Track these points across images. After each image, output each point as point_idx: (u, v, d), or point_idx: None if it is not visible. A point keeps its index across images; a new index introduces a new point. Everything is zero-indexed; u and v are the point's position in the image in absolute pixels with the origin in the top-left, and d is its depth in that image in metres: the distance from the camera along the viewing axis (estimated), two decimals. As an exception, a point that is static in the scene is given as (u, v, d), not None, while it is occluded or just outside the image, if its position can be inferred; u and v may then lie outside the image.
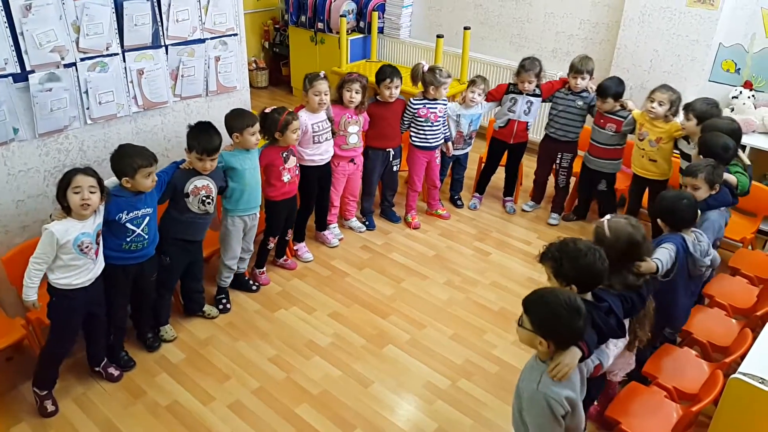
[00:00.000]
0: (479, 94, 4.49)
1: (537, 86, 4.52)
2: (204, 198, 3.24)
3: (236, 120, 3.39)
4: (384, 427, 2.97)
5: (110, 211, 2.87)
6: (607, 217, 2.59)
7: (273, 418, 3.00)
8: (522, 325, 2.06)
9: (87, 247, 2.74)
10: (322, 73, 3.88)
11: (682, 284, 2.89)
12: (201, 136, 3.15)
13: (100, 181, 2.72)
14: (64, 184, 2.67)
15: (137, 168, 2.85)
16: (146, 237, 3.02)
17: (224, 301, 3.74)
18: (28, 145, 3.02)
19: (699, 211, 3.01)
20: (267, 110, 3.60)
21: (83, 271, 2.79)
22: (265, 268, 4.03)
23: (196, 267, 3.50)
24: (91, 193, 2.67)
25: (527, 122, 4.61)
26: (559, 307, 1.98)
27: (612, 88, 4.18)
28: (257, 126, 3.43)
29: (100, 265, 2.88)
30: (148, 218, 3.00)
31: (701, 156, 3.40)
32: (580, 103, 4.43)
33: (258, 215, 3.68)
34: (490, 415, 3.05)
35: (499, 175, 4.99)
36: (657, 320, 2.97)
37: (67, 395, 3.07)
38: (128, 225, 2.94)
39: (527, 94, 4.51)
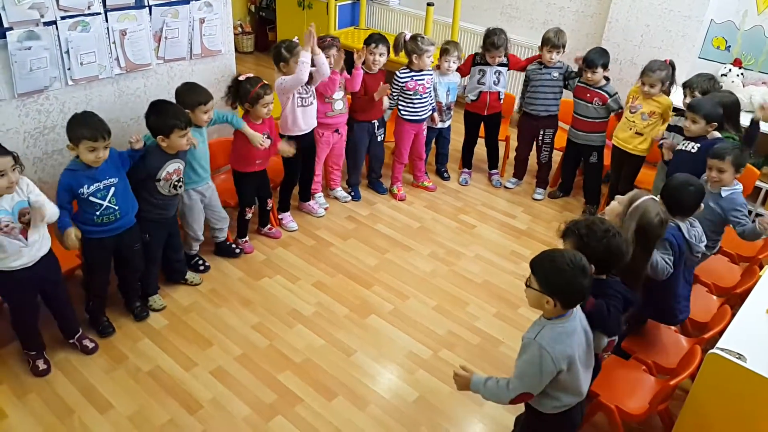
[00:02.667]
0: (454, 62, 4.44)
1: (504, 55, 4.50)
2: (176, 182, 3.16)
3: (189, 95, 3.24)
4: (366, 396, 3.00)
5: (72, 186, 2.79)
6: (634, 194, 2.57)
7: (255, 384, 3.02)
8: (530, 285, 2.09)
9: (7, 226, 2.58)
10: (296, 39, 3.81)
11: (681, 275, 2.83)
12: (176, 110, 3.02)
13: (14, 156, 2.56)
14: None
15: (80, 139, 2.74)
16: (116, 208, 2.92)
17: (200, 261, 3.75)
18: (6, 106, 2.94)
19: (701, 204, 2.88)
20: (241, 78, 3.51)
21: (13, 256, 2.65)
22: (247, 237, 4.00)
23: (175, 238, 3.46)
24: (12, 171, 2.53)
25: (499, 92, 4.59)
26: (564, 264, 2.00)
27: (599, 59, 4.14)
28: (211, 104, 3.30)
29: (42, 248, 2.75)
30: (113, 189, 2.90)
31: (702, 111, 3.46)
32: (556, 74, 4.39)
33: (211, 184, 3.58)
34: (471, 385, 3.09)
35: (482, 148, 4.97)
36: (649, 315, 2.94)
37: (49, 359, 3.05)
38: (92, 199, 2.84)
39: (496, 65, 4.50)
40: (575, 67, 4.36)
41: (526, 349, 2.10)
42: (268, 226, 4.12)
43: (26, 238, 2.68)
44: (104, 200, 2.88)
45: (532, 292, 2.09)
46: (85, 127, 2.75)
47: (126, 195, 2.99)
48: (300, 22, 6.67)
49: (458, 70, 4.56)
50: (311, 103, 3.92)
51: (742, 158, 3.12)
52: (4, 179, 2.51)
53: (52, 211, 2.71)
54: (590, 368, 2.22)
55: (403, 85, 4.30)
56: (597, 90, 4.23)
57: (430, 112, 4.52)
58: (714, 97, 3.64)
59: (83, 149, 2.76)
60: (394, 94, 4.37)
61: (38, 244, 2.73)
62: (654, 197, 2.58)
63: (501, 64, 4.50)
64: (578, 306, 2.13)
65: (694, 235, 2.82)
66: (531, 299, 2.12)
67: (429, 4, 5.39)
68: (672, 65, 3.99)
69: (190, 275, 3.63)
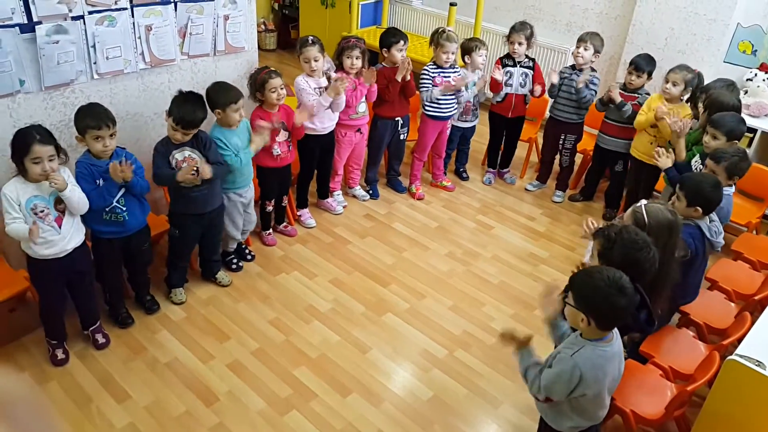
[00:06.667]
0: (485, 57, 4.45)
1: (530, 59, 4.47)
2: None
3: (219, 95, 3.24)
4: (380, 393, 3.01)
5: (87, 180, 2.81)
6: (643, 202, 2.55)
7: (271, 378, 3.04)
8: (567, 301, 2.04)
9: (42, 211, 2.65)
10: (310, 39, 3.78)
11: (695, 267, 2.84)
12: (184, 105, 3.02)
13: (57, 146, 2.63)
14: (22, 151, 2.56)
15: (85, 129, 2.78)
16: (123, 209, 2.95)
17: (235, 260, 3.77)
18: (34, 98, 2.99)
19: None
20: (253, 71, 3.56)
21: (48, 243, 2.72)
22: (270, 230, 4.04)
23: (210, 238, 3.47)
24: (50, 161, 2.58)
25: (525, 95, 4.56)
26: (600, 280, 1.95)
27: (646, 66, 4.09)
28: (241, 102, 3.30)
29: (73, 239, 2.80)
30: (123, 190, 2.92)
31: (708, 115, 3.45)
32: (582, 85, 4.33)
33: (252, 187, 3.64)
34: (485, 385, 3.09)
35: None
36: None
37: (69, 348, 3.10)
38: (103, 193, 2.87)
39: (521, 66, 4.46)
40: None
41: (560, 363, 2.06)
42: (284, 223, 4.15)
43: (60, 226, 2.73)
44: (113, 198, 2.91)
45: (569, 308, 2.04)
46: (88, 116, 2.79)
47: (132, 200, 3.00)
48: (323, 21, 6.71)
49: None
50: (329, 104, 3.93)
51: (737, 168, 3.08)
52: (37, 167, 2.58)
53: (82, 202, 2.76)
54: (612, 393, 2.19)
55: (432, 79, 4.29)
56: (632, 94, 4.18)
57: (455, 111, 4.51)
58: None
59: (89, 139, 2.80)
60: (423, 85, 4.32)
61: (71, 235, 2.79)
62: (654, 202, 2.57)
63: (528, 67, 4.48)
64: (617, 331, 2.09)
65: (714, 231, 2.82)
66: (568, 316, 2.07)
67: (452, 4, 5.38)
68: (700, 76, 3.93)
69: (220, 275, 3.64)
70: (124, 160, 2.83)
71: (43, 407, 1.32)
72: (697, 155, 3.57)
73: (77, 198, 2.73)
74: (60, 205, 2.71)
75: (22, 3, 2.77)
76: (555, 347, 2.27)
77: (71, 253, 2.81)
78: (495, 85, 4.48)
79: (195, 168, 3.06)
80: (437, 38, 4.25)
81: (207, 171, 3.08)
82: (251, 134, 3.47)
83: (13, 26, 2.78)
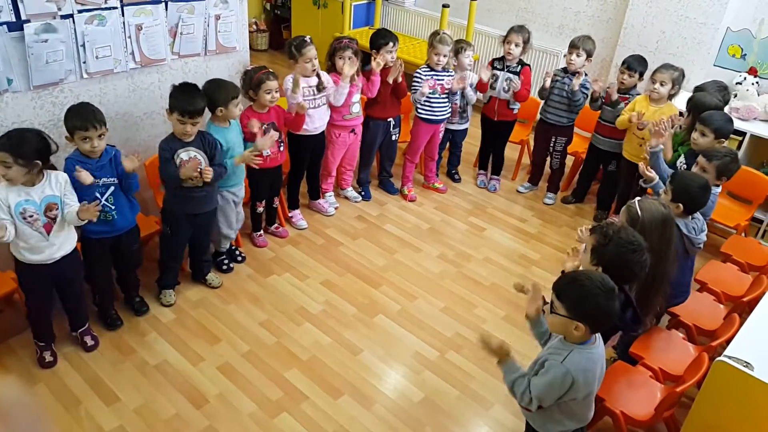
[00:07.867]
0: (471, 58, 4.48)
1: (521, 63, 4.44)
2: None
3: (219, 92, 3.23)
4: (371, 395, 3.00)
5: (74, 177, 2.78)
6: (637, 198, 2.58)
7: (262, 381, 3.03)
8: (555, 311, 2.00)
9: (31, 216, 2.62)
10: (308, 38, 3.80)
11: (679, 264, 2.84)
12: (183, 96, 3.01)
13: (21, 155, 2.51)
14: None
15: (73, 129, 2.76)
16: (112, 208, 2.92)
17: (226, 261, 3.75)
18: (22, 97, 2.96)
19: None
20: (249, 68, 3.56)
21: (35, 248, 2.69)
22: (261, 232, 4.03)
23: (201, 238, 3.46)
24: (5, 168, 2.52)
25: (508, 100, 4.53)
26: (595, 288, 1.94)
27: (638, 66, 4.13)
28: (240, 95, 3.33)
29: (62, 248, 2.77)
30: (112, 188, 2.90)
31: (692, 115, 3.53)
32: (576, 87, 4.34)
33: (243, 186, 3.63)
34: (477, 387, 3.09)
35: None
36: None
37: (58, 350, 3.07)
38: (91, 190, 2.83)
39: (508, 71, 4.44)
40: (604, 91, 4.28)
41: (549, 371, 2.03)
42: (275, 224, 4.13)
43: (48, 234, 2.70)
44: (102, 197, 2.88)
45: (557, 318, 1.99)
46: (76, 116, 2.77)
47: (121, 198, 2.98)
48: (315, 21, 6.70)
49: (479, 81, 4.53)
50: (319, 105, 3.92)
51: (727, 168, 3.13)
52: None
53: (73, 220, 2.73)
54: (596, 392, 2.18)
55: (424, 82, 4.28)
56: (623, 95, 4.19)
57: (449, 114, 4.51)
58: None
59: (77, 139, 2.78)
60: (414, 87, 4.32)
61: (60, 243, 2.76)
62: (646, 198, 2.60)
63: (514, 72, 4.44)
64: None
65: (693, 228, 2.86)
66: (556, 325, 2.03)
67: (444, 6, 5.39)
68: (682, 72, 3.96)
69: (210, 276, 3.62)
70: (97, 203, 2.74)
71: (39, 410, 1.31)
72: (682, 155, 3.60)
73: (72, 216, 2.72)
74: (50, 212, 2.68)
75: (10, 1, 2.74)
76: (540, 343, 2.27)
77: (59, 261, 2.78)
78: (481, 86, 4.49)
79: (199, 168, 3.07)
80: (431, 39, 4.26)
81: (209, 173, 3.09)
82: (243, 137, 3.48)
83: (0, 24, 2.75)
